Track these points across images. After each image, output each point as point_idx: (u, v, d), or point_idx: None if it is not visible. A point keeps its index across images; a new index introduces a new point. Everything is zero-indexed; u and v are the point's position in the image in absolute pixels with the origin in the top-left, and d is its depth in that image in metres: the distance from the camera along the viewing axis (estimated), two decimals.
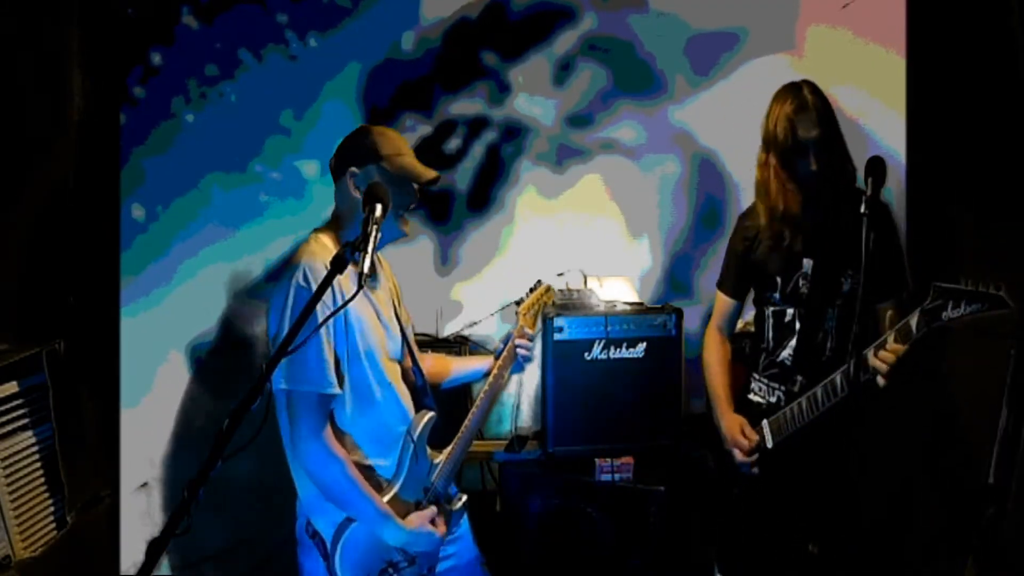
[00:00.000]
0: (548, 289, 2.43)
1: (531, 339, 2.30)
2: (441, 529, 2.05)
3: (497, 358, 2.28)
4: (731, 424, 2.40)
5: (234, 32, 3.21)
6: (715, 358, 2.52)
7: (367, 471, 1.97)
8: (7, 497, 2.54)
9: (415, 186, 2.02)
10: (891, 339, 2.07)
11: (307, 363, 1.85)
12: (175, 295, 3.26)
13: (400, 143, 2.05)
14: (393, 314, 2.10)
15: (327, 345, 1.88)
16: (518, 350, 2.27)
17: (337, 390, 1.90)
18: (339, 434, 1.95)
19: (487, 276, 3.29)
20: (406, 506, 2.01)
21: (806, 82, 2.33)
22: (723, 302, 2.54)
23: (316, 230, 2.02)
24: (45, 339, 2.71)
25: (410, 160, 2.03)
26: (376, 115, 3.24)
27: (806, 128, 2.22)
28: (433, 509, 2.05)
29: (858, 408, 2.06)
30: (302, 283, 1.85)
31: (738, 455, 2.37)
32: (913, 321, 2.01)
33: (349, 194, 1.99)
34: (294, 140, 3.25)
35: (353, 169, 1.99)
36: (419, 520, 2.00)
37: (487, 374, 2.26)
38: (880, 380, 2.10)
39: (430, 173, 2.04)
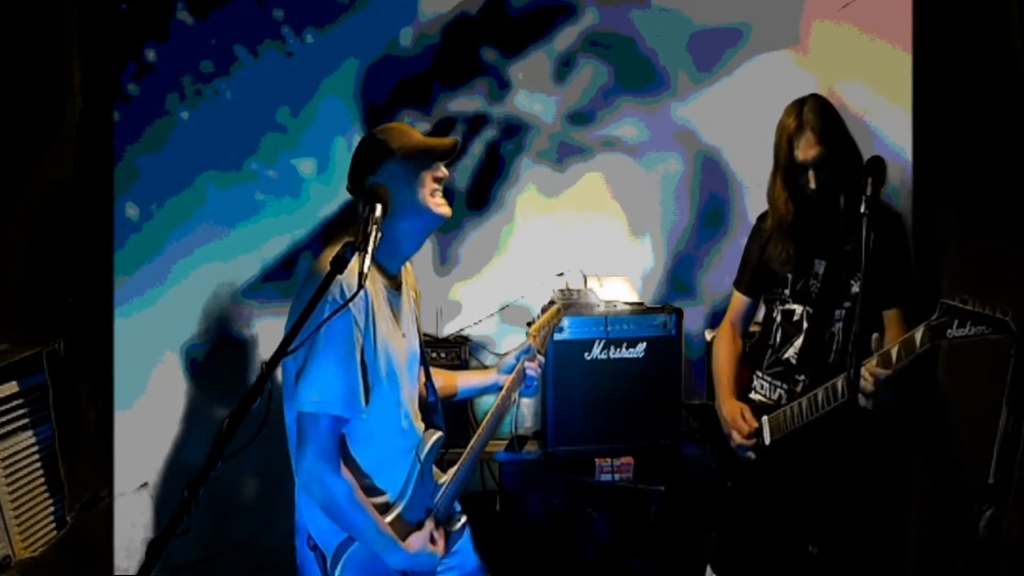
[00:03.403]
0: (559, 311, 2.53)
1: (540, 364, 2.38)
2: (440, 548, 2.17)
3: (503, 373, 2.37)
4: (732, 409, 2.60)
5: (230, 28, 3.41)
6: (724, 350, 2.72)
7: (375, 492, 2.08)
8: (7, 497, 2.73)
9: (437, 160, 2.07)
10: (894, 351, 2.24)
11: (336, 384, 1.91)
12: (169, 295, 3.45)
13: (406, 129, 2.08)
14: (415, 327, 2.20)
15: (360, 365, 1.93)
16: (527, 371, 2.35)
17: (363, 411, 1.95)
18: (349, 457, 2.04)
19: (487, 276, 3.49)
20: (408, 527, 2.12)
21: (813, 97, 2.49)
22: (739, 300, 2.75)
23: (348, 234, 2.03)
24: (45, 339, 2.90)
25: (420, 138, 2.07)
26: (374, 112, 3.43)
27: (804, 149, 2.41)
28: (430, 526, 2.16)
29: (856, 409, 2.22)
30: (339, 299, 1.86)
31: (736, 437, 2.56)
32: (918, 335, 2.19)
33: None
34: (291, 137, 3.44)
35: (371, 178, 2.00)
36: (420, 541, 2.11)
37: (498, 389, 2.35)
38: (863, 400, 2.28)
39: (446, 141, 2.06)
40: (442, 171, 2.06)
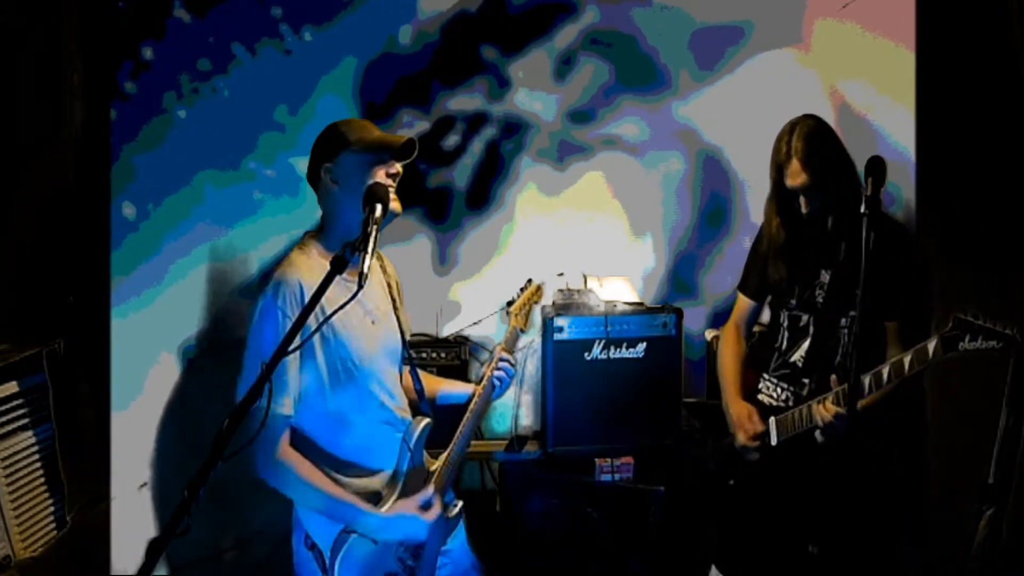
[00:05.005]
0: (538, 288, 2.64)
1: (505, 363, 2.48)
2: (430, 515, 2.23)
3: (479, 383, 2.48)
4: (739, 410, 2.71)
5: (227, 25, 3.51)
6: (729, 352, 2.84)
7: (366, 473, 2.20)
8: (7, 497, 2.86)
9: (393, 160, 2.19)
10: (907, 360, 2.34)
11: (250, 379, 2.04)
12: (167, 295, 3.55)
13: (366, 124, 2.22)
14: (392, 314, 2.32)
15: (290, 363, 2.05)
16: (493, 378, 2.45)
17: (286, 411, 2.08)
18: (327, 452, 2.16)
19: (487, 276, 3.59)
20: None
21: (804, 120, 2.56)
22: (743, 303, 2.87)
23: (301, 238, 2.23)
24: (45, 339, 3.02)
25: (379, 134, 2.19)
26: (372, 111, 3.53)
27: (791, 177, 2.51)
28: (426, 494, 2.24)
29: (855, 412, 2.31)
30: (271, 300, 2.05)
31: (741, 438, 2.67)
32: (931, 346, 2.31)
33: (329, 191, 2.18)
34: (289, 136, 3.54)
35: (327, 164, 2.15)
36: (400, 506, 2.19)
37: (470, 399, 2.46)
38: (818, 436, 2.48)
39: (401, 138, 2.16)
40: (396, 167, 2.18)
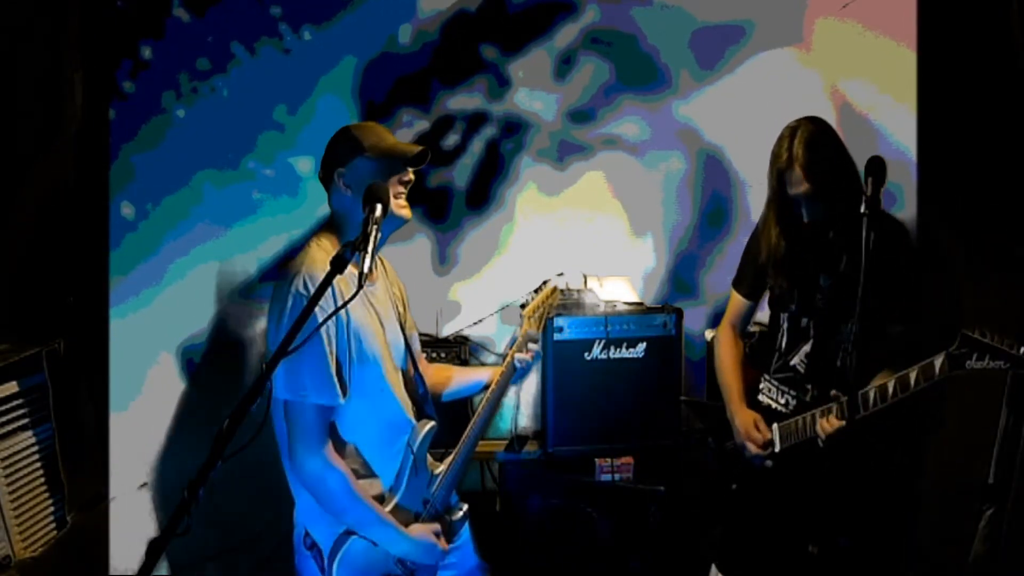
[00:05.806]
0: (554, 290, 2.61)
1: (533, 345, 2.48)
2: (444, 545, 2.31)
3: (500, 366, 2.50)
4: (745, 419, 2.72)
5: (226, 25, 3.56)
6: (728, 354, 2.84)
7: (368, 475, 2.22)
8: (7, 497, 2.90)
9: (406, 167, 2.24)
10: (912, 376, 2.36)
11: (307, 373, 2.05)
12: (165, 295, 3.60)
13: (380, 130, 2.29)
14: (396, 319, 2.36)
15: (329, 354, 2.07)
16: (516, 362, 2.46)
17: (340, 400, 2.09)
18: (340, 444, 2.19)
19: (487, 276, 3.64)
20: (406, 516, 2.27)
21: (805, 123, 2.51)
22: (738, 302, 2.86)
23: (316, 233, 2.25)
24: (45, 339, 3.06)
25: (393, 141, 2.24)
26: (372, 110, 3.58)
27: (794, 185, 2.48)
28: (437, 526, 2.31)
29: (854, 416, 2.32)
30: (301, 291, 2.05)
31: (751, 448, 2.69)
32: (937, 363, 2.32)
33: (343, 195, 2.22)
34: (288, 136, 3.59)
35: (340, 169, 2.18)
36: (422, 530, 2.26)
37: (487, 386, 2.48)
38: (820, 442, 2.50)
39: (415, 148, 2.21)
40: (409, 175, 2.23)
